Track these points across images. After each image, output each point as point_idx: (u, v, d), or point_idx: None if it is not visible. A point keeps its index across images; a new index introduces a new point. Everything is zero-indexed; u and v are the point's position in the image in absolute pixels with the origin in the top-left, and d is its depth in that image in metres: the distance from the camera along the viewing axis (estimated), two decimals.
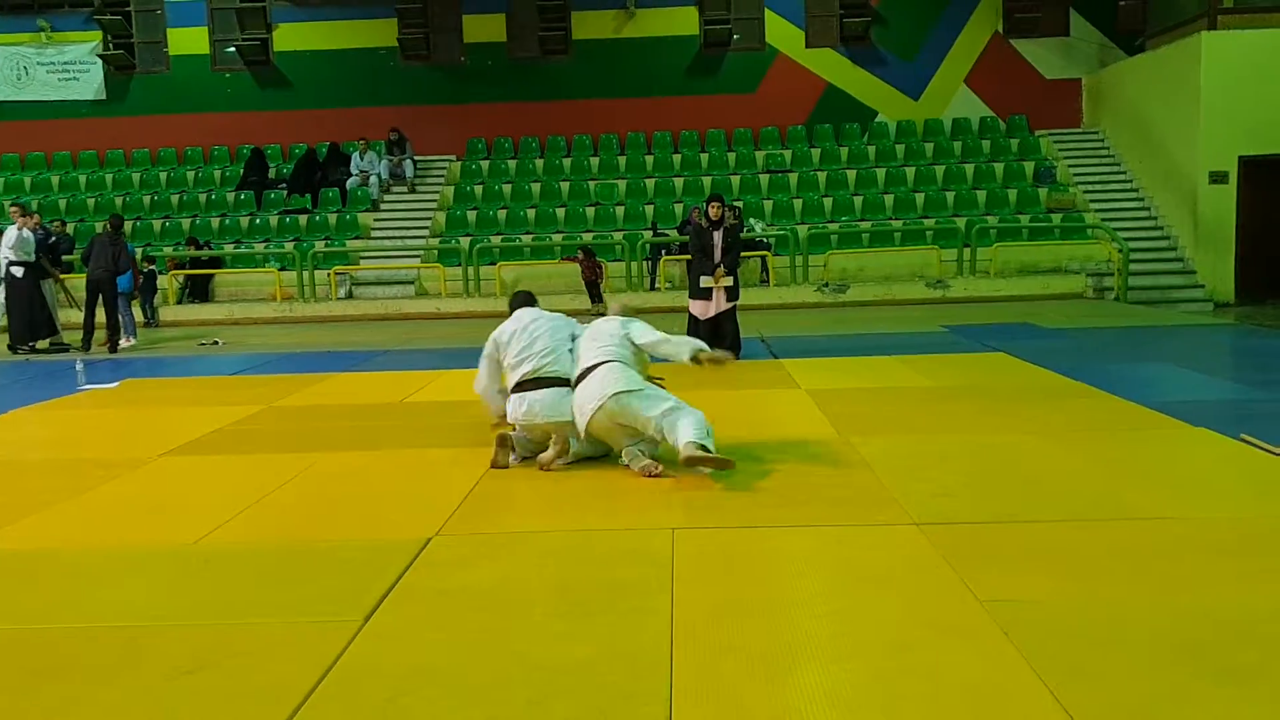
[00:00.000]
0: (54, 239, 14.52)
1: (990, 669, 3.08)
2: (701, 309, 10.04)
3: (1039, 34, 21.36)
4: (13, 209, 13.75)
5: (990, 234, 18.07)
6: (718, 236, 9.96)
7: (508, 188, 20.81)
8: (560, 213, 20.06)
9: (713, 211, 9.94)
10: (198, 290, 18.93)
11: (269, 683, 3.08)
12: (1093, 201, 19.23)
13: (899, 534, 4.39)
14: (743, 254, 17.16)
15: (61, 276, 14.46)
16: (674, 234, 18.16)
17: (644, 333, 5.91)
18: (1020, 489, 5.05)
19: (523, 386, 5.83)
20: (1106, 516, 4.55)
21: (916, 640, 3.30)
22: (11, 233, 13.30)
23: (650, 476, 5.39)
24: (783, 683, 3.03)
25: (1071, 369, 8.61)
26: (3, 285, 13.70)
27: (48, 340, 13.45)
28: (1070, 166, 20.22)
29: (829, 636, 3.38)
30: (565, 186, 20.75)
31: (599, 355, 5.66)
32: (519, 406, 5.81)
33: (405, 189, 21.15)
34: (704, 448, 5.18)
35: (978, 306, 15.59)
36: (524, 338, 5.93)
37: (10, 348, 13.26)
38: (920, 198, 19.66)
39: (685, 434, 5.24)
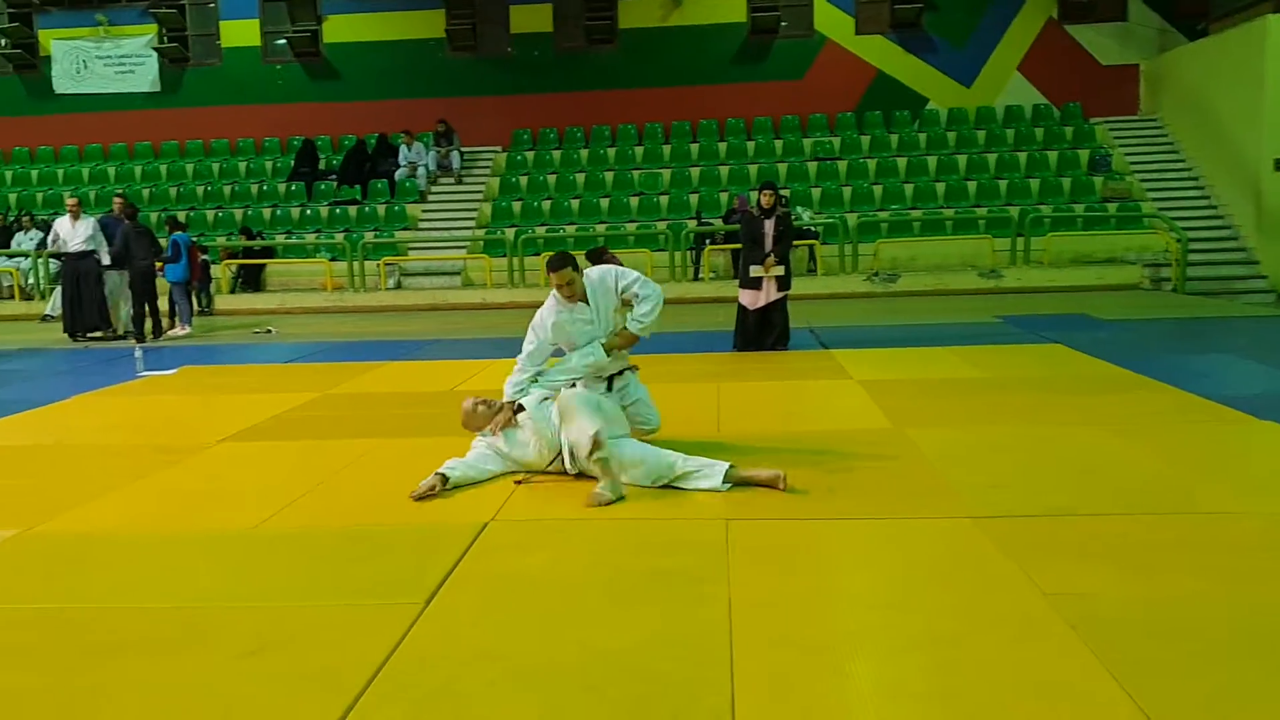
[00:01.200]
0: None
1: (1058, 663, 3.02)
2: (751, 299, 9.97)
3: (1095, 19, 20.97)
4: (118, 201, 14.06)
5: (1044, 223, 17.82)
6: (769, 225, 9.84)
7: (552, 178, 20.84)
8: (604, 203, 20.05)
9: (764, 200, 9.84)
10: (250, 280, 19.16)
11: (332, 664, 3.11)
12: (1150, 190, 18.88)
13: (957, 526, 4.33)
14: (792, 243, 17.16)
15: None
16: (719, 223, 18.09)
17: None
18: (1081, 481, 4.97)
19: None
20: (1171, 510, 4.47)
21: (979, 633, 3.26)
22: (64, 224, 13.50)
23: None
24: (844, 673, 3.01)
25: (1130, 360, 8.46)
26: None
27: (125, 332, 13.68)
28: (1127, 155, 19.85)
29: (889, 628, 3.34)
30: (610, 176, 20.73)
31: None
32: None
33: (452, 180, 21.25)
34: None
35: (1031, 297, 15.37)
36: None
37: (69, 334, 13.55)
38: (972, 186, 19.42)
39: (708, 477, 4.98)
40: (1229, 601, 3.46)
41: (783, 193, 18.65)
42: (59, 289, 16.22)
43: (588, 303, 5.63)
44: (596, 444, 4.88)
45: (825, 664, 3.07)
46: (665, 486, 4.99)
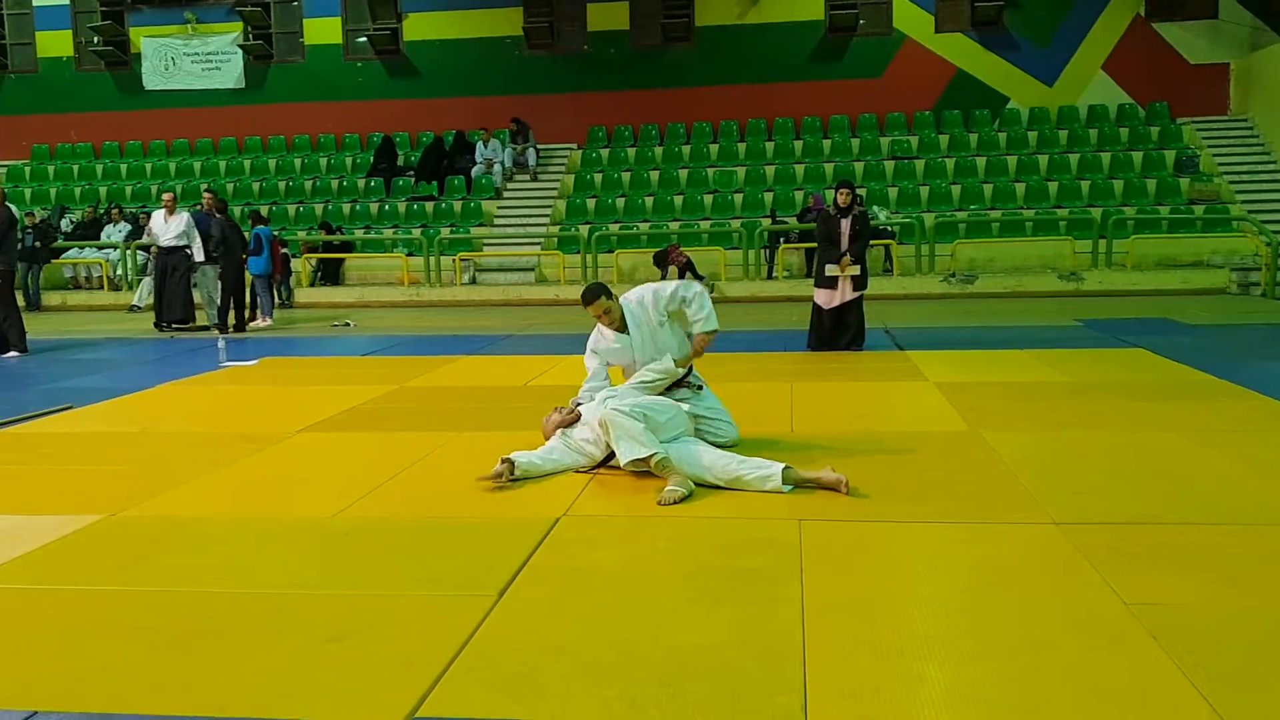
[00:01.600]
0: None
1: (1138, 673, 2.96)
2: (826, 298, 9.91)
3: (1184, 16, 20.47)
4: (208, 196, 14.30)
5: (1127, 225, 17.45)
6: (845, 224, 9.79)
7: (627, 176, 20.91)
8: (678, 200, 20.06)
9: (841, 198, 9.80)
10: (329, 273, 19.52)
11: (410, 652, 3.16)
12: (1239, 192, 18.38)
13: (1036, 532, 4.27)
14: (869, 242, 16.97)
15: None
16: (793, 222, 17.99)
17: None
18: (1165, 489, 4.86)
19: None
20: (1262, 520, 4.35)
21: (1058, 641, 3.20)
22: (158, 218, 13.88)
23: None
24: (917, 677, 2.98)
25: (1216, 367, 8.25)
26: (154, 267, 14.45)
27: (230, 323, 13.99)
28: (1215, 156, 19.35)
29: (964, 633, 3.30)
30: (684, 174, 20.75)
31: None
32: None
33: (527, 177, 21.42)
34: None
35: (1113, 300, 15.05)
36: None
37: (156, 325, 13.93)
38: (1053, 187, 19.08)
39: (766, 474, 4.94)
40: None
41: (858, 192, 18.50)
42: (146, 280, 16.72)
43: (627, 331, 5.66)
44: (646, 463, 4.96)
45: (898, 667, 3.04)
46: (725, 488, 4.98)
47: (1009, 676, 2.98)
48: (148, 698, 2.93)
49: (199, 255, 13.74)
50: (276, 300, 16.17)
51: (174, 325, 13.87)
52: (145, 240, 14.59)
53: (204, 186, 17.79)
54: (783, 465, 4.88)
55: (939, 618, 3.43)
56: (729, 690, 2.90)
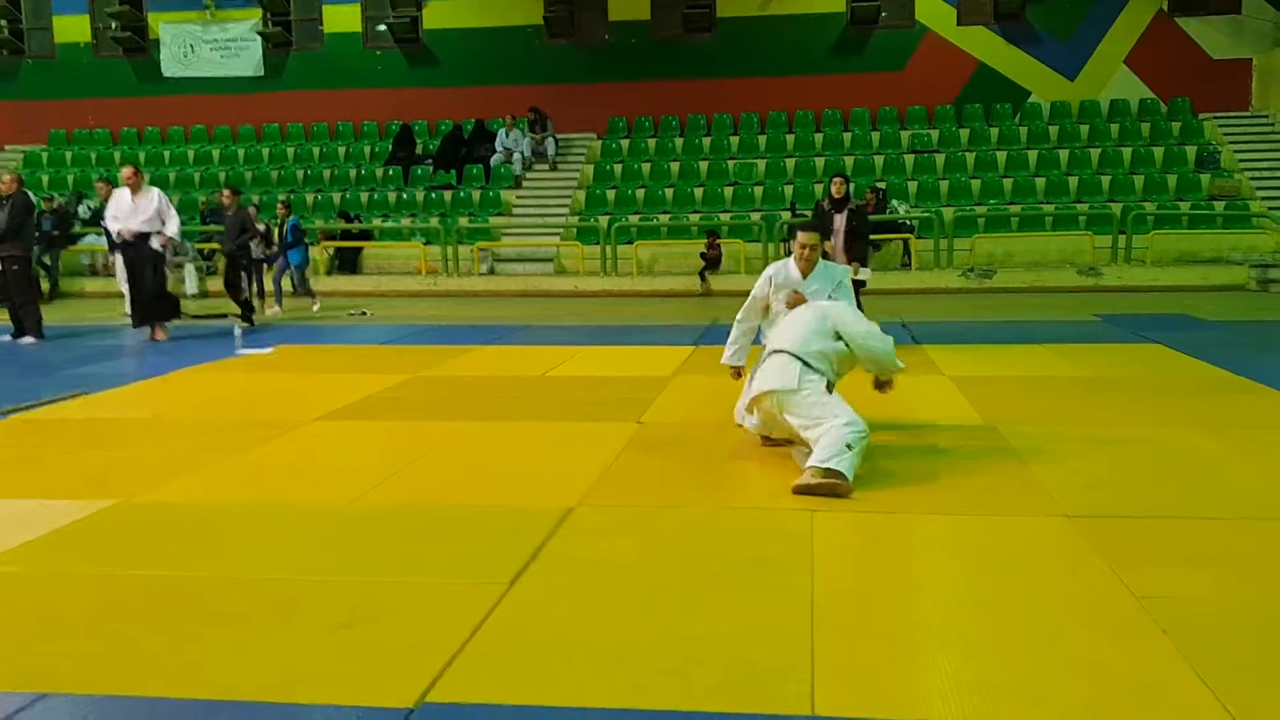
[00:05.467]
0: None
1: (1146, 665, 2.97)
2: None
3: (1208, 11, 20.29)
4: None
5: (1147, 220, 17.32)
6: (840, 220, 9.08)
7: (647, 167, 20.88)
8: (698, 192, 20.02)
9: (835, 189, 9.07)
10: (347, 262, 19.56)
11: (420, 639, 3.18)
12: (1259, 189, 18.22)
13: (1049, 525, 4.26)
14: (886, 236, 16.91)
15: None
16: (812, 215, 17.93)
17: (851, 321, 5.44)
18: (1179, 484, 4.85)
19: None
20: (1274, 516, 4.33)
21: (1067, 633, 3.21)
22: (122, 198, 11.52)
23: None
24: (925, 666, 2.99)
25: (1233, 363, 8.19)
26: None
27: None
28: (1236, 151, 19.19)
29: (974, 624, 3.31)
30: (704, 166, 20.70)
31: (784, 343, 5.34)
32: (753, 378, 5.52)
33: (547, 167, 21.41)
34: (828, 471, 4.70)
35: (1131, 296, 14.96)
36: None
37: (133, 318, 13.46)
38: (1074, 181, 18.96)
39: (813, 456, 4.82)
40: None
41: (878, 185, 18.43)
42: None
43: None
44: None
45: (906, 656, 3.06)
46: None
47: (1017, 668, 2.99)
48: (159, 681, 2.96)
49: (174, 233, 11.24)
50: (288, 289, 16.11)
51: (160, 322, 11.47)
52: (110, 225, 11.55)
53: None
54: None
55: (948, 609, 3.44)
56: (738, 678, 2.92)
